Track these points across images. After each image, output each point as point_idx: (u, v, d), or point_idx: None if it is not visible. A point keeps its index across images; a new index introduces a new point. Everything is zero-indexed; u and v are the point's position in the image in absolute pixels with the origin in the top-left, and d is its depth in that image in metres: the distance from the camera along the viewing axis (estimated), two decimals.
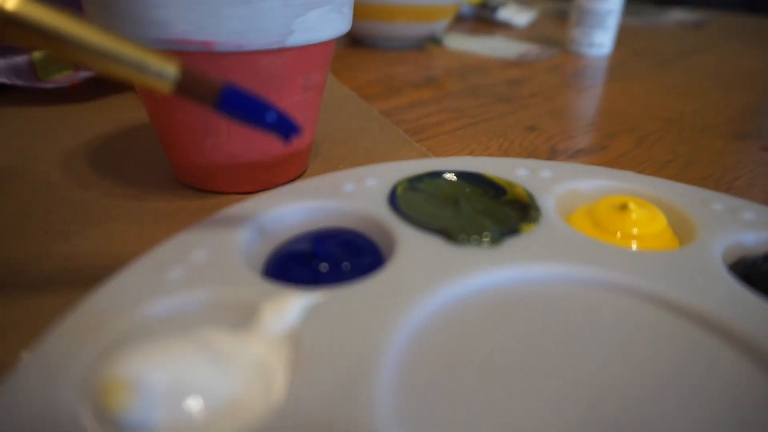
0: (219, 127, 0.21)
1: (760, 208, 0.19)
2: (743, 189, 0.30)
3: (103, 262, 0.19)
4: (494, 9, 0.75)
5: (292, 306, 0.13)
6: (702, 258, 0.16)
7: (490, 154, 0.33)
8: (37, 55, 0.32)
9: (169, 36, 0.18)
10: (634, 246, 0.18)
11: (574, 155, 0.33)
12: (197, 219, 0.22)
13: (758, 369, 0.13)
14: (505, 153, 0.33)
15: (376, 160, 0.28)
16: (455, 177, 0.21)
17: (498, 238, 0.17)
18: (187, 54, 0.19)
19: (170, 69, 0.14)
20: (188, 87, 0.14)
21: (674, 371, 0.13)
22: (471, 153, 0.33)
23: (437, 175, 0.21)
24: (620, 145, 0.35)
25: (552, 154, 0.33)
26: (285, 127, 0.15)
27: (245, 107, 0.15)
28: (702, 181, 0.31)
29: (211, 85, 0.14)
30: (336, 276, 0.16)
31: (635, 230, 0.18)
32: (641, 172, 0.31)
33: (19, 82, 0.32)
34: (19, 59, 0.32)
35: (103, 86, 0.38)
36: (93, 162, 0.27)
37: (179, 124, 0.21)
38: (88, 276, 0.18)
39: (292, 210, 0.18)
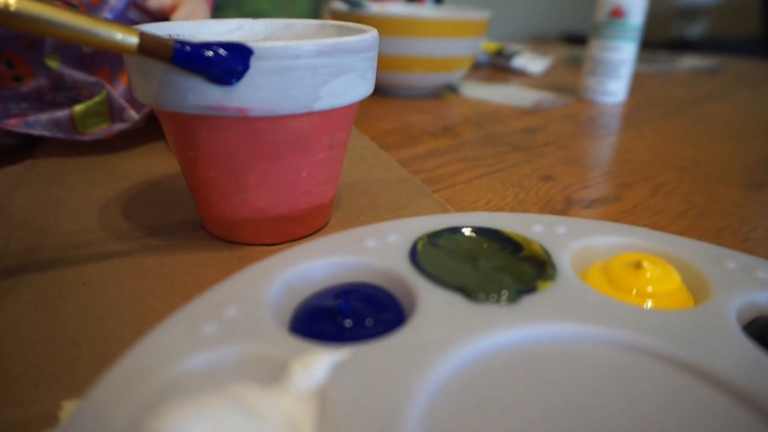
0: (248, 184, 0.23)
1: None
2: (760, 240, 0.30)
3: (139, 314, 0.20)
4: (509, 57, 0.77)
5: (319, 363, 0.14)
6: (716, 318, 0.17)
7: (506, 204, 0.33)
8: (77, 109, 0.34)
9: (207, 103, 0.20)
10: (648, 304, 0.18)
11: (590, 205, 0.34)
12: (224, 270, 0.23)
13: None
14: (521, 203, 0.34)
15: (396, 211, 0.29)
16: (473, 233, 0.22)
17: (515, 297, 0.17)
18: (223, 119, 0.20)
19: (132, 37, 0.18)
20: (148, 48, 0.19)
21: (687, 431, 0.13)
22: (488, 203, 0.33)
23: (456, 230, 0.22)
24: (635, 194, 0.36)
25: (567, 204, 0.34)
26: (229, 68, 0.19)
27: (193, 60, 0.19)
28: (718, 233, 0.31)
29: (167, 46, 0.19)
30: (359, 331, 0.16)
31: (650, 288, 0.19)
32: (656, 222, 0.32)
33: (59, 135, 0.34)
34: (61, 113, 0.34)
35: (136, 137, 0.40)
36: (126, 212, 0.28)
37: (211, 181, 0.23)
38: (124, 328, 0.19)
39: (316, 265, 0.19)
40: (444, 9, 0.65)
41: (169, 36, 0.25)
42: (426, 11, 0.65)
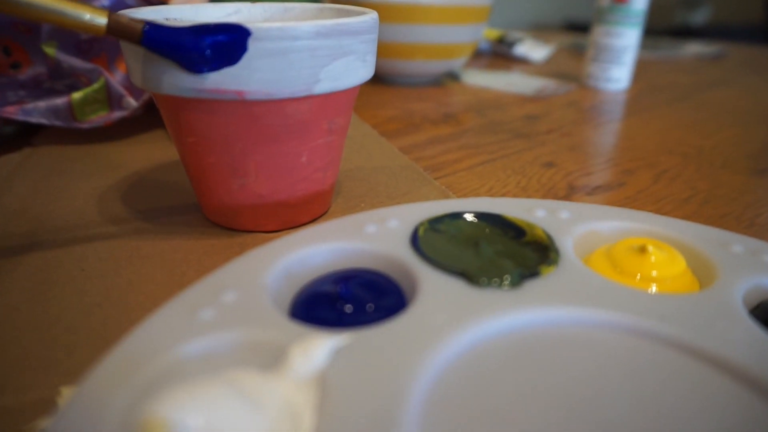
0: (247, 170, 0.22)
1: None
2: (765, 226, 0.30)
3: (138, 301, 0.20)
4: (511, 44, 0.77)
5: (319, 348, 0.14)
6: (722, 302, 0.17)
7: (508, 191, 0.33)
8: (75, 97, 0.34)
9: (205, 86, 0.19)
10: (653, 288, 0.18)
11: (593, 192, 0.34)
12: (224, 257, 0.23)
13: None
14: (523, 190, 0.33)
15: (396, 198, 0.29)
16: (475, 218, 0.21)
17: (518, 281, 0.17)
18: (221, 102, 0.20)
19: (101, 17, 0.18)
20: (116, 30, 0.19)
21: (693, 416, 0.13)
22: (490, 190, 0.33)
23: (458, 216, 0.21)
24: (638, 181, 0.36)
25: (570, 191, 0.33)
26: (201, 54, 0.19)
27: (164, 43, 0.19)
28: (722, 219, 0.31)
29: (135, 28, 0.19)
30: (360, 317, 0.16)
31: (654, 273, 0.18)
32: (660, 208, 0.32)
33: (57, 123, 0.34)
34: (59, 101, 0.34)
35: (135, 125, 0.39)
36: (125, 200, 0.28)
37: (209, 167, 0.22)
38: (122, 315, 0.19)
39: (316, 251, 0.19)
40: None
41: (166, 20, 0.25)
42: None
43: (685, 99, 0.60)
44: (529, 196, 0.33)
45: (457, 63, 0.58)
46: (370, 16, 0.22)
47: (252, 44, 0.19)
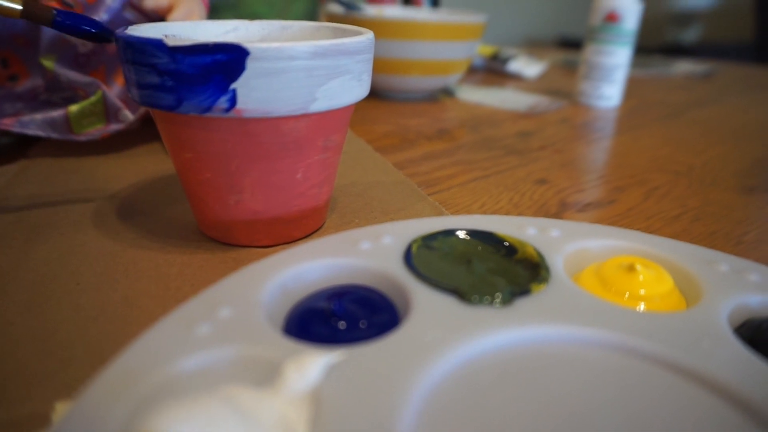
0: (243, 186, 0.23)
1: (765, 269, 0.20)
2: (752, 244, 0.30)
3: (134, 315, 0.20)
4: (505, 61, 0.78)
5: (313, 364, 0.14)
6: (707, 320, 0.17)
7: (501, 208, 0.34)
8: (72, 109, 0.34)
9: (203, 104, 0.20)
10: (641, 307, 0.18)
11: (584, 209, 0.34)
12: (219, 272, 0.23)
13: None
14: (515, 207, 0.34)
15: (391, 214, 0.29)
16: (468, 235, 0.22)
17: (509, 299, 0.17)
18: (218, 119, 0.20)
19: (16, 3, 0.21)
20: (30, 14, 0.22)
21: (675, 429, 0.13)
22: (482, 206, 0.34)
23: (451, 233, 0.22)
24: (629, 198, 0.36)
25: (562, 208, 0.34)
26: (102, 36, 0.24)
27: (72, 25, 0.23)
28: (711, 236, 0.31)
29: (48, 12, 0.23)
30: (353, 333, 0.16)
31: (642, 291, 0.19)
32: (650, 226, 0.32)
33: (54, 135, 0.34)
34: (56, 113, 0.34)
35: (131, 138, 0.40)
36: (121, 213, 0.28)
37: (206, 183, 0.23)
38: (118, 329, 0.19)
39: (311, 267, 0.19)
40: (440, 12, 0.65)
41: (165, 36, 0.25)
42: (422, 14, 0.65)
43: (675, 117, 0.61)
44: (521, 213, 0.33)
45: (451, 79, 0.59)
46: (366, 37, 0.22)
47: (250, 64, 0.19)
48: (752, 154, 0.47)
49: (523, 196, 0.36)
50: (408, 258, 0.20)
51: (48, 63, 0.34)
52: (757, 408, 0.14)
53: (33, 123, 0.34)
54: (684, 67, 0.94)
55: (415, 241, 0.21)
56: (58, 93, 0.36)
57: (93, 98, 0.35)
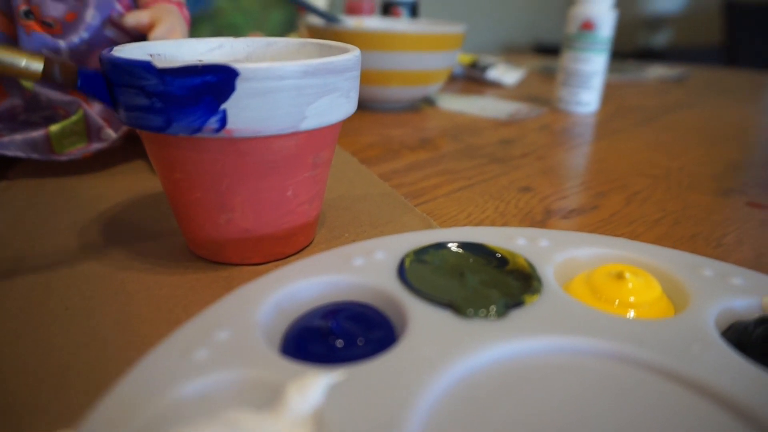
0: (233, 205, 0.22)
1: (747, 273, 0.20)
2: (732, 246, 0.31)
3: (126, 339, 0.20)
4: (484, 69, 0.79)
5: (314, 385, 0.14)
6: (696, 326, 0.17)
7: (486, 217, 0.34)
8: (53, 129, 0.34)
9: (192, 125, 0.20)
10: (631, 314, 0.19)
11: (568, 216, 0.35)
12: (210, 292, 0.23)
13: None
14: (501, 215, 0.34)
15: (380, 227, 0.30)
16: (459, 248, 0.22)
17: (503, 311, 0.18)
18: (208, 140, 0.20)
19: (37, 63, 0.20)
20: (51, 76, 0.20)
21: None
22: (469, 216, 0.34)
23: (442, 246, 0.22)
24: (611, 203, 0.37)
25: (546, 215, 0.34)
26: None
27: (97, 89, 0.22)
28: (692, 239, 0.32)
29: (72, 74, 0.21)
30: (351, 351, 0.17)
31: (632, 298, 0.19)
32: (633, 230, 0.33)
33: (35, 156, 0.34)
34: (36, 134, 0.33)
35: (113, 156, 0.39)
36: (108, 234, 0.28)
37: (196, 202, 0.23)
38: (111, 355, 0.19)
39: (306, 285, 0.19)
40: (419, 23, 0.66)
41: (150, 56, 0.25)
42: (402, 25, 0.66)
43: (651, 121, 0.62)
44: (507, 222, 0.33)
45: (432, 88, 0.60)
46: (353, 54, 0.23)
47: (240, 84, 0.19)
48: (726, 158, 0.49)
49: (508, 204, 0.36)
50: (401, 273, 0.20)
51: (27, 83, 0.34)
52: (747, 410, 0.14)
53: (13, 144, 0.33)
54: (657, 71, 0.97)
55: (407, 255, 0.21)
56: (37, 112, 0.35)
57: (74, 117, 0.34)
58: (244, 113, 0.20)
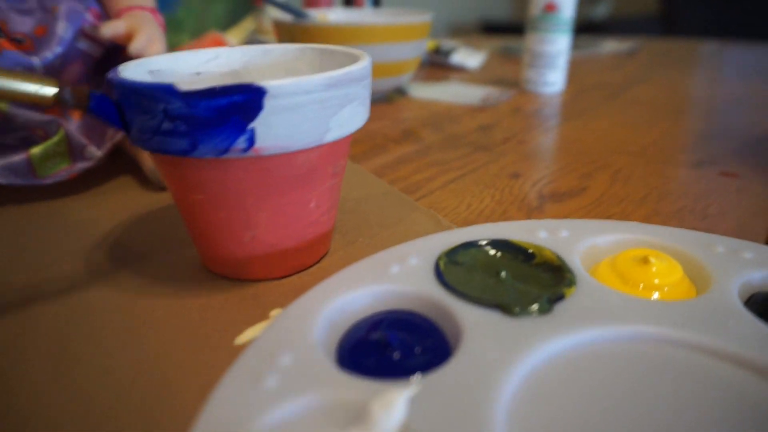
0: (258, 221, 0.22)
1: (755, 246, 0.22)
2: (717, 217, 0.33)
3: (171, 372, 0.19)
4: (447, 54, 0.79)
5: (398, 401, 0.14)
6: (725, 302, 0.19)
7: (486, 207, 0.35)
8: (34, 152, 0.32)
9: (220, 146, 0.19)
10: (655, 295, 0.20)
11: (561, 199, 0.36)
12: (241, 311, 0.23)
13: None
14: (499, 204, 0.35)
15: (390, 228, 0.30)
16: (486, 246, 0.23)
17: (548, 307, 0.18)
18: (234, 159, 0.20)
19: (48, 88, 0.19)
20: (62, 100, 0.20)
21: (725, 415, 0.15)
22: (469, 207, 0.35)
23: (470, 245, 0.22)
24: (598, 184, 0.38)
25: (541, 200, 0.36)
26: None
27: (107, 113, 0.21)
28: (678, 214, 0.34)
29: (84, 97, 0.20)
30: (412, 361, 0.17)
31: (656, 281, 0.20)
32: (624, 209, 0.34)
33: (17, 181, 0.32)
34: (16, 158, 0.32)
35: (98, 175, 0.38)
36: (115, 259, 0.27)
37: (219, 222, 0.22)
38: (162, 390, 0.19)
39: (352, 298, 0.19)
40: (384, 12, 0.66)
41: (150, 72, 0.24)
42: (368, 16, 0.65)
43: (615, 97, 0.64)
44: (505, 210, 0.34)
45: (404, 79, 0.60)
46: (367, 60, 0.23)
47: (267, 102, 0.19)
48: (692, 130, 0.51)
49: (503, 192, 0.37)
50: (440, 276, 0.20)
51: (1, 105, 0.32)
52: None
53: None
54: (609, 45, 1.00)
55: (440, 257, 0.21)
56: (11, 134, 0.33)
57: (55, 138, 0.33)
58: (272, 131, 0.19)
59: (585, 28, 2.00)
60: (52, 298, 0.24)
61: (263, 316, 0.22)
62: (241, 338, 0.21)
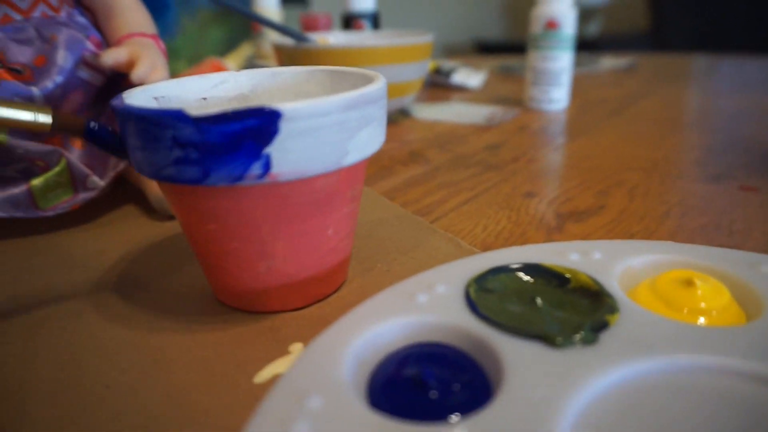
0: (275, 251, 0.21)
1: None
2: (744, 233, 0.32)
3: (186, 415, 0.18)
4: (448, 74, 0.79)
5: None
6: None
7: (504, 228, 0.34)
8: (35, 183, 0.31)
9: (235, 173, 0.18)
10: (701, 320, 0.19)
11: (581, 219, 0.35)
12: (260, 345, 0.21)
13: None
14: (517, 225, 0.34)
15: (408, 253, 0.29)
16: (517, 271, 0.21)
17: (594, 336, 0.17)
18: (248, 187, 0.19)
19: (45, 115, 0.20)
20: (61, 126, 0.20)
21: None
22: (485, 229, 0.33)
23: (499, 271, 0.21)
24: (616, 201, 0.37)
25: (560, 221, 0.34)
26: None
27: (104, 139, 0.21)
28: (704, 230, 0.33)
29: (78, 125, 0.21)
30: (452, 399, 0.16)
31: (702, 304, 0.19)
32: (647, 227, 0.33)
33: (18, 215, 0.31)
34: (17, 190, 0.31)
35: (100, 205, 0.36)
36: (122, 293, 0.25)
37: (233, 253, 0.21)
38: None
39: (378, 332, 0.18)
40: (385, 34, 0.65)
41: (155, 99, 0.23)
42: (369, 39, 0.65)
43: (619, 113, 0.64)
44: (523, 231, 0.33)
45: (408, 100, 0.59)
46: (383, 81, 0.22)
47: (283, 125, 0.18)
48: (701, 143, 0.50)
49: (518, 212, 0.36)
50: (472, 305, 0.19)
51: (0, 137, 0.31)
52: None
53: None
54: (608, 62, 1.00)
55: (469, 284, 0.20)
56: (11, 166, 0.32)
57: (57, 168, 0.31)
58: (289, 155, 0.18)
59: (579, 45, 2.02)
60: (57, 336, 0.22)
61: (282, 350, 0.21)
62: (262, 376, 0.19)
